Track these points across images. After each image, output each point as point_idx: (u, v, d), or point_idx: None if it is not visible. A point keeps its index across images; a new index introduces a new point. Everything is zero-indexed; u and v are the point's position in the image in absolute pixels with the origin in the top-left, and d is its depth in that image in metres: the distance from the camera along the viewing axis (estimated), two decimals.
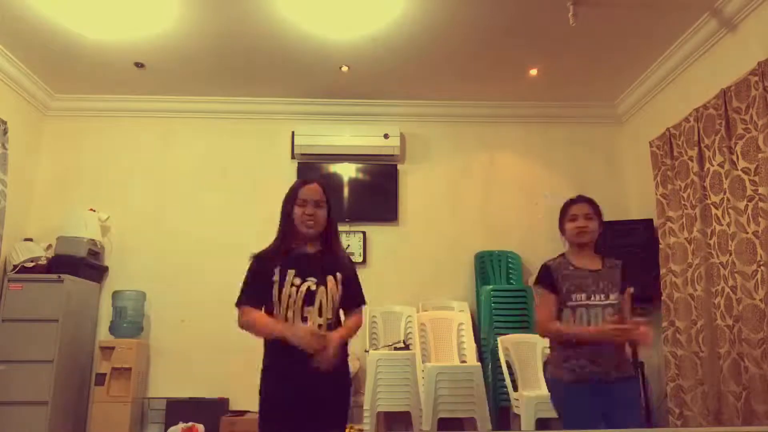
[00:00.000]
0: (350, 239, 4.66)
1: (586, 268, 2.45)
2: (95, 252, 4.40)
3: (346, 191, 4.75)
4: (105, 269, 4.56)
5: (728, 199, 3.40)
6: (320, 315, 2.10)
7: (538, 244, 4.67)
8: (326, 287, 2.13)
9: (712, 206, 3.58)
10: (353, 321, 2.24)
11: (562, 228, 2.55)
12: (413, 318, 4.38)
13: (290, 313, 2.08)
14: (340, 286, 2.16)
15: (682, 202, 3.89)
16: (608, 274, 2.46)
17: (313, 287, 2.11)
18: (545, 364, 2.46)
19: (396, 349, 4.12)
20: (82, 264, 4.23)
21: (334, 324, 2.15)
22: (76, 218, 4.39)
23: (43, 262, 4.21)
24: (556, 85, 4.62)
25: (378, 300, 4.41)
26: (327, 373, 2.04)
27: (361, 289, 2.29)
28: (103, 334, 4.38)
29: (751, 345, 3.12)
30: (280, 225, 2.23)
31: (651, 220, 4.30)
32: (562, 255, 2.53)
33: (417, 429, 3.84)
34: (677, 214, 3.94)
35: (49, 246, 4.33)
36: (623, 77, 4.50)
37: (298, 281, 2.11)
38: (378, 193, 4.79)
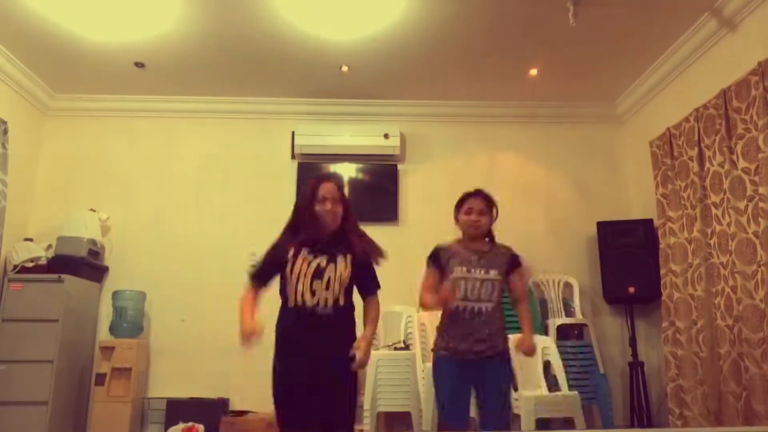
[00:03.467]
0: None
1: (473, 248, 2.63)
2: (95, 252, 4.40)
3: (346, 191, 4.72)
4: (105, 269, 4.56)
5: (728, 199, 3.40)
6: (327, 289, 2.25)
7: (539, 243, 4.68)
8: (336, 265, 2.28)
9: (712, 206, 3.58)
10: (375, 312, 2.40)
11: (456, 218, 2.70)
12: (413, 318, 4.37)
13: (300, 286, 2.24)
14: (349, 267, 2.30)
15: (683, 202, 3.89)
16: (493, 256, 2.63)
17: (324, 264, 2.28)
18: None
19: (396, 349, 4.12)
20: (82, 264, 4.23)
21: (343, 300, 2.28)
22: (76, 218, 4.39)
23: (43, 262, 4.21)
24: (557, 85, 4.62)
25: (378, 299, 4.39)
26: (340, 348, 2.24)
27: (375, 274, 2.43)
28: (103, 334, 4.38)
29: (752, 345, 3.12)
30: (296, 219, 2.39)
31: (651, 220, 4.30)
32: (457, 241, 2.71)
33: (417, 429, 3.84)
34: (677, 214, 3.94)
35: (49, 246, 4.33)
36: (623, 77, 4.50)
37: (310, 257, 2.28)
38: (378, 193, 4.78)
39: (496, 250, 2.66)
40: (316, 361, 2.21)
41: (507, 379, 2.61)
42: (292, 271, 2.27)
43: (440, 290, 2.47)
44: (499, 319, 2.58)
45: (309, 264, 2.26)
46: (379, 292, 2.46)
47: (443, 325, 2.61)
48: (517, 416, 3.65)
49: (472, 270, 2.57)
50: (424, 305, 2.66)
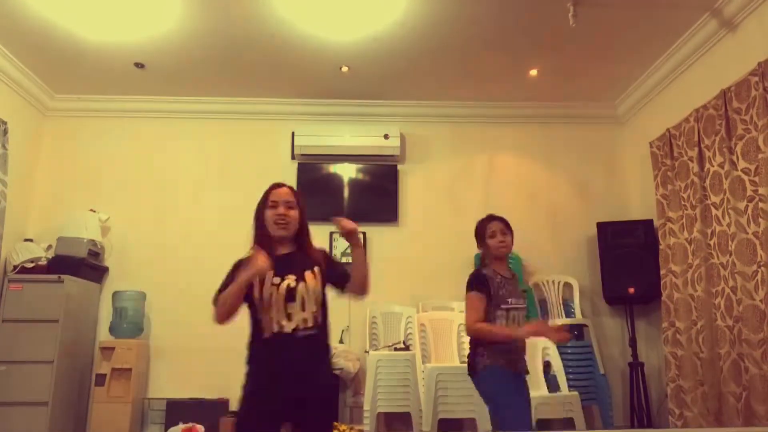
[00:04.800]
0: None
1: (506, 276, 2.81)
2: (95, 252, 4.40)
3: (346, 191, 4.75)
4: (105, 270, 4.56)
5: (728, 200, 3.40)
6: (303, 309, 2.10)
7: (539, 244, 4.68)
8: (305, 282, 2.13)
9: (712, 207, 3.58)
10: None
11: (483, 243, 2.86)
12: (413, 318, 4.38)
13: (273, 312, 2.08)
14: (320, 278, 2.17)
15: (683, 203, 3.89)
16: (515, 283, 2.85)
17: (293, 284, 2.11)
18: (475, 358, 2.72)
19: (396, 349, 4.12)
20: (82, 264, 4.23)
21: (320, 316, 2.14)
22: (76, 219, 4.39)
23: (43, 262, 4.21)
24: (556, 86, 4.62)
25: (378, 300, 4.41)
26: (323, 369, 2.13)
27: (345, 266, 2.30)
28: (103, 335, 4.38)
29: (752, 345, 3.12)
30: (254, 232, 2.28)
31: (651, 221, 4.30)
32: (485, 266, 2.84)
33: (417, 429, 3.84)
34: (677, 214, 3.94)
35: (49, 246, 4.33)
36: (623, 77, 4.50)
37: (277, 280, 2.11)
38: (378, 194, 4.79)
39: (515, 278, 2.87)
40: (302, 389, 2.05)
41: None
42: (261, 297, 2.09)
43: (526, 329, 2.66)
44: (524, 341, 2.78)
45: (278, 287, 2.09)
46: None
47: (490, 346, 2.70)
48: None
49: (517, 300, 2.75)
50: (480, 335, 2.68)
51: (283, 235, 2.22)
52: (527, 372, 2.77)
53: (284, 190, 2.28)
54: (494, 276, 2.75)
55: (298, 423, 2.08)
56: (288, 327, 2.07)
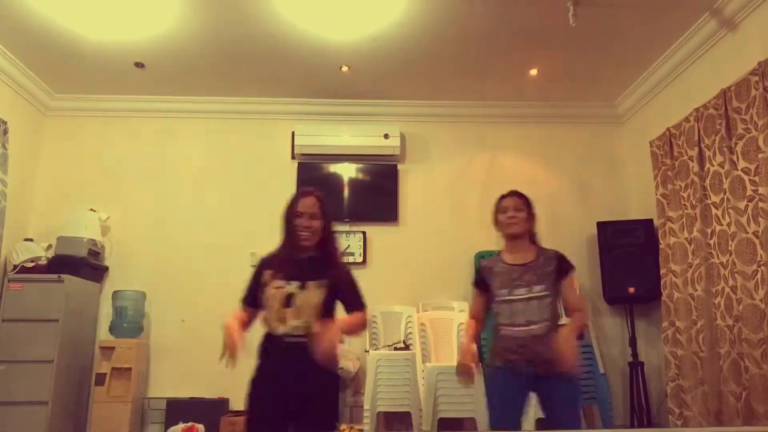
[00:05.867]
0: (350, 239, 4.66)
1: (516, 263, 2.51)
2: (95, 252, 4.40)
3: (346, 191, 4.75)
4: (105, 269, 4.56)
5: (728, 199, 3.40)
6: (297, 317, 2.16)
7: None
8: (306, 291, 2.19)
9: (712, 206, 3.58)
10: (355, 317, 2.26)
11: (495, 221, 2.63)
12: (413, 318, 4.38)
13: (272, 313, 2.18)
14: (323, 292, 2.20)
15: (683, 202, 3.89)
16: (540, 266, 2.49)
17: (294, 291, 2.18)
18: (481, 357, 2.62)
19: (396, 349, 4.12)
20: (82, 264, 4.23)
21: (315, 326, 2.15)
22: (77, 218, 4.39)
23: (43, 262, 4.21)
24: (557, 85, 4.62)
25: (378, 300, 4.41)
26: (314, 374, 2.11)
27: (359, 294, 2.31)
28: (103, 334, 4.38)
29: (752, 345, 3.12)
30: (282, 235, 2.34)
31: (651, 220, 4.30)
32: (500, 252, 2.62)
33: (417, 429, 3.84)
34: (677, 214, 3.94)
35: (50, 246, 4.33)
36: (623, 77, 4.50)
37: (282, 284, 2.19)
38: (378, 193, 4.79)
39: (542, 258, 2.51)
40: (286, 392, 2.12)
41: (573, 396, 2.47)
42: (266, 297, 2.21)
43: (464, 351, 2.45)
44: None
45: (281, 290, 2.18)
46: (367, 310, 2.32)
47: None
48: None
49: (515, 291, 2.45)
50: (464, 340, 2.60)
51: (306, 245, 2.28)
52: (545, 372, 2.36)
53: (310, 200, 2.32)
54: (495, 264, 2.55)
55: (298, 426, 2.13)
56: (279, 331, 2.16)
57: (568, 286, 2.50)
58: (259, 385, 2.19)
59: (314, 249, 2.29)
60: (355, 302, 2.28)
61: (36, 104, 4.65)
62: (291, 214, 2.30)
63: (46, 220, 4.56)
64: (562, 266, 2.50)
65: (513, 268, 2.51)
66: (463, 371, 2.41)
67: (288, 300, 2.17)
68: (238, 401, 4.29)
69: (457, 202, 4.83)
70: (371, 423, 3.83)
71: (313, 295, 2.18)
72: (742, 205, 3.28)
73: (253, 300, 2.29)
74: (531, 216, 2.58)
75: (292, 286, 2.18)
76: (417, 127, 4.95)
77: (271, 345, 2.20)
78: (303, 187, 2.79)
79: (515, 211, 2.53)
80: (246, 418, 2.17)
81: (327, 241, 2.31)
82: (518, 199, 2.58)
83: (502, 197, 2.63)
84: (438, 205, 4.85)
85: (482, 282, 2.59)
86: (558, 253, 2.55)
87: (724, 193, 3.45)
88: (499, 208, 2.60)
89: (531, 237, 2.60)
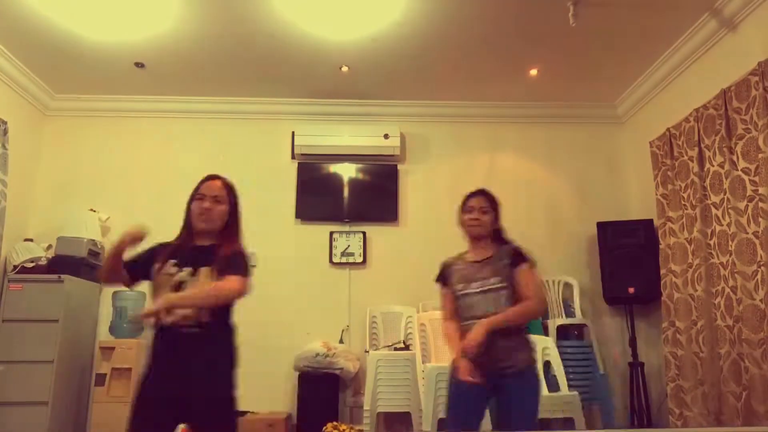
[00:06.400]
0: (350, 239, 4.66)
1: (476, 259, 2.53)
2: (95, 252, 4.40)
3: (346, 191, 4.74)
4: None
5: (728, 200, 3.40)
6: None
7: (539, 243, 4.67)
8: (198, 278, 2.08)
9: (712, 206, 3.58)
10: (220, 283, 2.05)
11: (459, 220, 2.61)
12: (413, 318, 4.37)
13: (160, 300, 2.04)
14: (215, 277, 2.07)
15: (683, 203, 3.89)
16: (496, 260, 2.48)
17: (186, 277, 2.08)
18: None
19: (396, 349, 4.12)
20: (82, 264, 4.23)
21: (207, 317, 2.05)
22: (77, 218, 4.39)
23: (43, 262, 4.21)
24: (557, 86, 4.62)
25: (378, 300, 4.41)
26: (205, 365, 2.02)
27: (237, 264, 2.12)
28: (103, 334, 4.38)
29: (752, 345, 3.12)
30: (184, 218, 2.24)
31: (651, 221, 4.30)
32: (465, 252, 2.61)
33: (417, 429, 3.84)
34: (677, 214, 3.94)
35: (50, 246, 4.33)
36: (623, 77, 4.50)
37: (174, 270, 2.09)
38: (378, 193, 4.79)
39: (499, 252, 2.50)
40: (174, 386, 2.00)
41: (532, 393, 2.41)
42: (155, 284, 2.09)
43: (455, 345, 2.40)
44: (516, 332, 2.38)
45: (171, 277, 2.07)
46: (239, 277, 2.10)
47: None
48: None
49: (471, 284, 2.46)
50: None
51: (203, 228, 2.19)
52: (503, 374, 2.34)
53: (215, 183, 2.23)
54: (456, 262, 2.57)
55: (193, 425, 2.02)
56: (167, 319, 2.02)
57: (521, 276, 2.44)
58: (149, 376, 2.07)
59: (216, 237, 2.19)
60: (228, 270, 2.08)
61: (36, 104, 4.65)
62: (192, 197, 2.21)
63: (46, 220, 4.56)
64: (515, 258, 2.47)
65: (472, 264, 2.53)
66: (462, 371, 2.35)
67: (178, 288, 2.05)
68: (240, 400, 4.32)
69: (457, 202, 4.75)
70: (371, 423, 3.83)
71: (204, 282, 2.06)
72: (742, 205, 3.28)
73: (134, 266, 2.18)
74: (496, 216, 2.57)
75: (184, 273, 2.08)
76: (417, 127, 4.95)
77: (159, 335, 2.07)
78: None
79: (480, 213, 2.52)
80: (133, 407, 2.04)
81: (230, 231, 2.22)
82: (484, 199, 2.57)
83: (469, 196, 2.60)
84: (438, 205, 4.84)
85: (442, 278, 2.60)
86: (516, 247, 2.54)
87: (724, 194, 3.45)
88: (464, 207, 2.58)
89: (496, 234, 2.59)
